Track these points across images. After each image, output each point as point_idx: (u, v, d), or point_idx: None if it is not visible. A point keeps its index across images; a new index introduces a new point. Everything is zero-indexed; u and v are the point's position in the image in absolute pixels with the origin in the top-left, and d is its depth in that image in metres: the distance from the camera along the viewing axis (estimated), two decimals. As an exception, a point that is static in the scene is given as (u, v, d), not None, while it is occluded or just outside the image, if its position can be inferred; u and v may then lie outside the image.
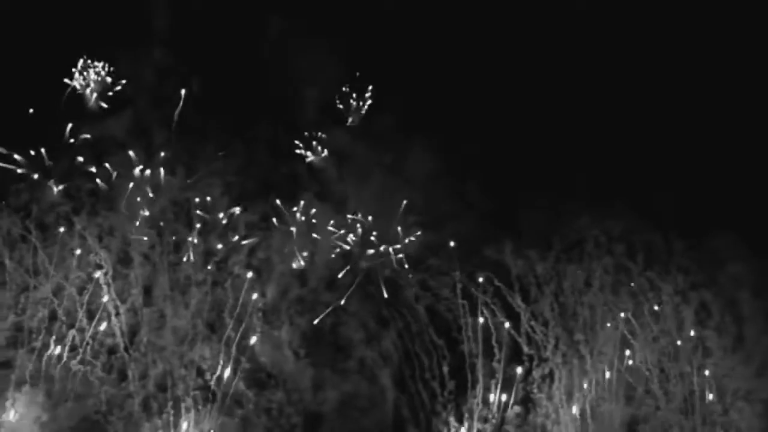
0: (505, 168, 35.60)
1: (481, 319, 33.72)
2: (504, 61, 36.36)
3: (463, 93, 36.15)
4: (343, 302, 33.76)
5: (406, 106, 35.74)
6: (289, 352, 33.28)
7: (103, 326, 31.90)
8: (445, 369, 33.49)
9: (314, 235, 34.41)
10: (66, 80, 34.49)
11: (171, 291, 32.49)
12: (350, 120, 36.21)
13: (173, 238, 32.93)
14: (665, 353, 34.37)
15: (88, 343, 31.65)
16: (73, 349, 31.63)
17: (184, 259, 33.04)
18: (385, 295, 34.07)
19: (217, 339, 32.67)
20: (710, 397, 33.88)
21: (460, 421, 33.24)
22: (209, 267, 33.29)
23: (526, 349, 33.73)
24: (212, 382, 32.19)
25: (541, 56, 36.32)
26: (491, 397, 33.21)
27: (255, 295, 33.12)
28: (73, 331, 31.49)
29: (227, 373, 32.23)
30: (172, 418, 31.47)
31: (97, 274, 31.94)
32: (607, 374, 33.73)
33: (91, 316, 31.97)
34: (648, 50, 35.95)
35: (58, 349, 31.28)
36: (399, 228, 34.87)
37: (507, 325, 33.78)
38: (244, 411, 32.20)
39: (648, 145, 35.82)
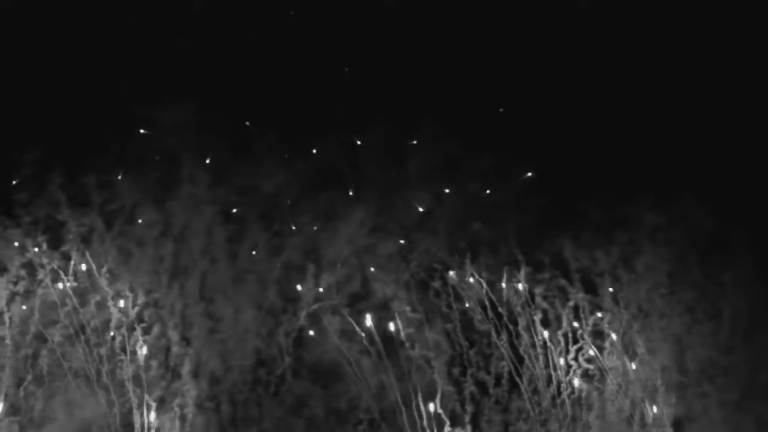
0: (565, 159, 34.19)
1: (539, 313, 32.90)
2: (562, 49, 34.96)
3: (516, 83, 34.58)
4: (400, 295, 32.72)
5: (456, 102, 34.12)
6: (352, 346, 32.33)
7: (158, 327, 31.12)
8: (502, 365, 32.69)
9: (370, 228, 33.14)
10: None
11: (230, 282, 31.57)
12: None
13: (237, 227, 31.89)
14: (719, 349, 33.60)
15: (146, 341, 30.79)
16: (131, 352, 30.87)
17: (246, 250, 32.02)
18: (441, 290, 33.04)
19: (278, 332, 31.94)
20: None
21: (507, 420, 32.56)
22: (269, 257, 32.24)
23: (585, 339, 33.00)
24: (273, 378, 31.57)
25: (600, 43, 35.08)
26: (546, 393, 32.60)
27: (315, 287, 32.32)
28: (137, 332, 30.70)
29: (288, 368, 31.63)
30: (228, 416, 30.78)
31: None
32: (659, 371, 33.09)
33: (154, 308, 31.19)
34: (725, 39, 34.82)
35: (115, 349, 30.61)
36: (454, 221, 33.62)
37: (565, 317, 32.93)
38: (310, 409, 31.47)
39: (714, 136, 34.59)
